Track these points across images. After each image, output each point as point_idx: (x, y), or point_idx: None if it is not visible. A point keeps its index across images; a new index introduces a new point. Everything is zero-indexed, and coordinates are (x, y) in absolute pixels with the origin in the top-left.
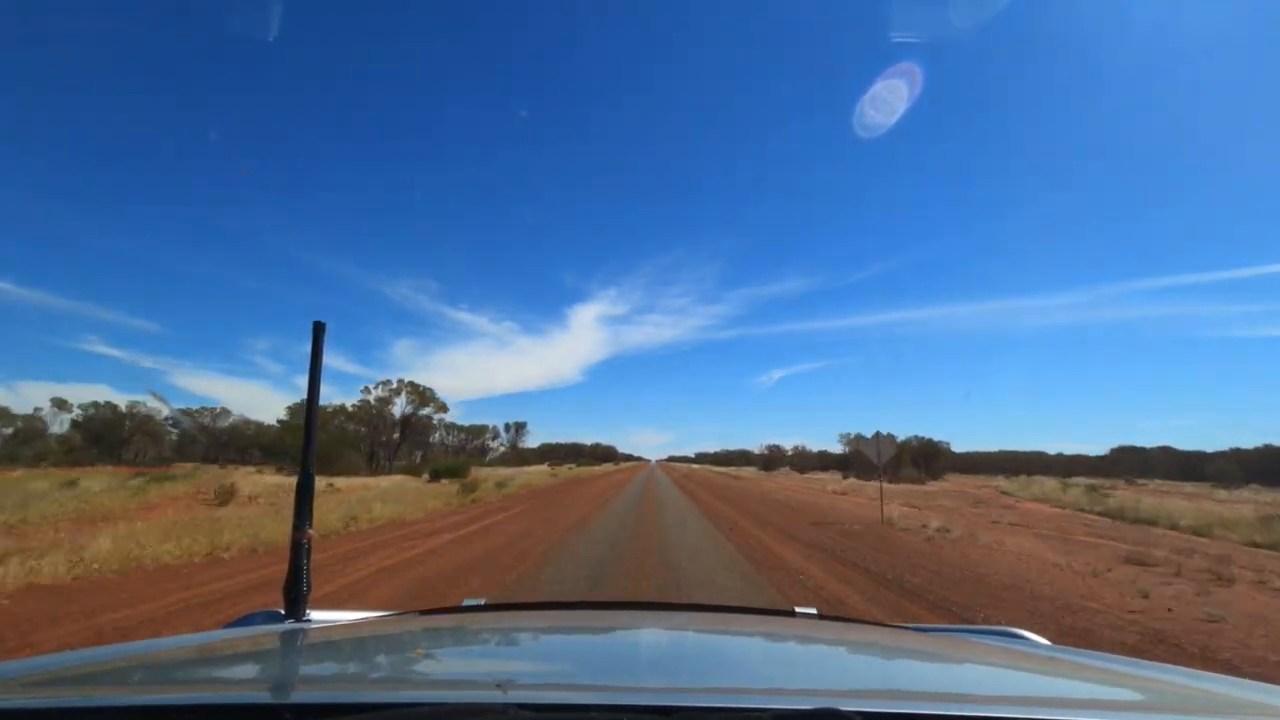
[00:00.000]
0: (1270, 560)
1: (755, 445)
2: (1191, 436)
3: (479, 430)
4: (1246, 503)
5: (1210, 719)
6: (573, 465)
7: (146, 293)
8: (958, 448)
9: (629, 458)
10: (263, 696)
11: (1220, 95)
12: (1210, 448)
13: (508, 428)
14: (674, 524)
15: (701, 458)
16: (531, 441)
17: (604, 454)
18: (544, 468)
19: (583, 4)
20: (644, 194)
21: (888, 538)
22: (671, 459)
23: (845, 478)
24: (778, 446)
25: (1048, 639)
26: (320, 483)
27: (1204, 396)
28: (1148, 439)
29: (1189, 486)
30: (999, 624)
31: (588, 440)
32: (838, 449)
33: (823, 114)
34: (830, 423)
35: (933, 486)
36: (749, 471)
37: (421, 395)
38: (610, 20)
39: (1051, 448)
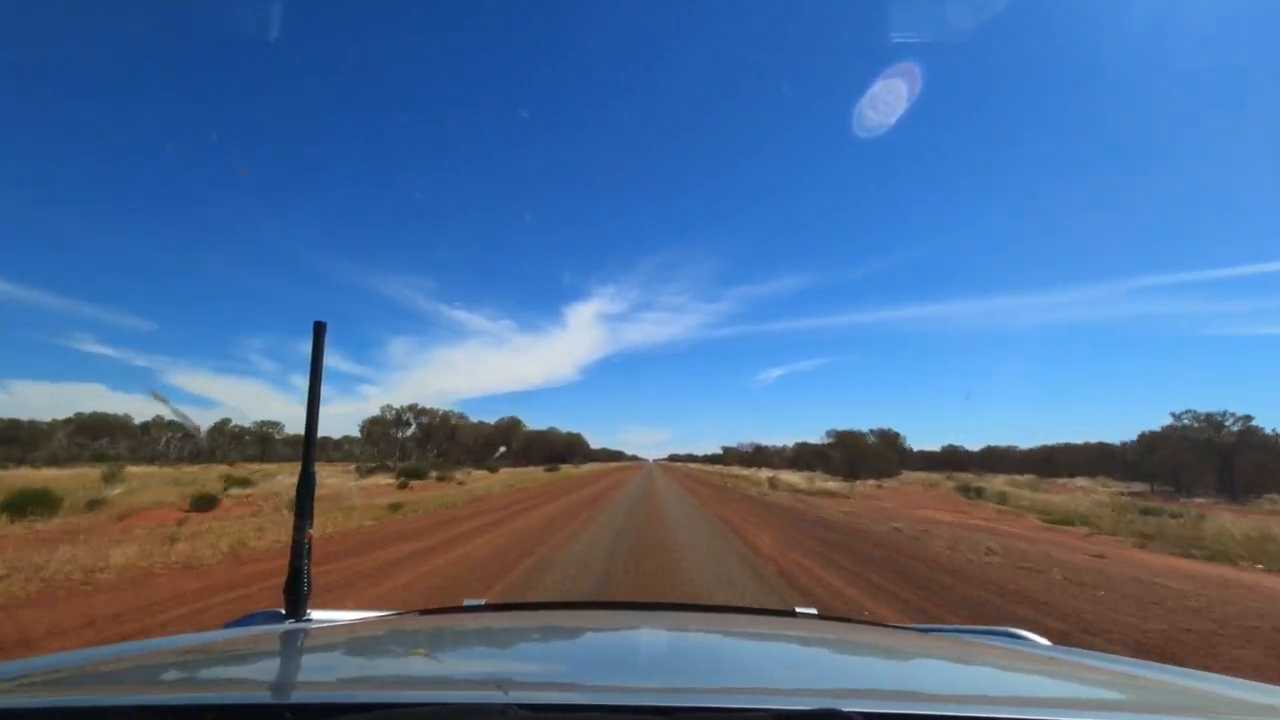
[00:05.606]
0: None
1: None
2: None
3: None
4: None
5: (1210, 719)
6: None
7: (141, 291)
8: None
9: (619, 455)
10: (263, 697)
11: (1224, 94)
12: None
13: None
14: None
15: (731, 456)
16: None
17: (560, 450)
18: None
19: (582, 3)
20: (643, 191)
21: None
22: (673, 458)
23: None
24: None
25: (1047, 640)
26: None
27: (1208, 394)
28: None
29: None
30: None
31: (569, 429)
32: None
33: (822, 113)
34: (829, 421)
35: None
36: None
37: None
38: (610, 19)
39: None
